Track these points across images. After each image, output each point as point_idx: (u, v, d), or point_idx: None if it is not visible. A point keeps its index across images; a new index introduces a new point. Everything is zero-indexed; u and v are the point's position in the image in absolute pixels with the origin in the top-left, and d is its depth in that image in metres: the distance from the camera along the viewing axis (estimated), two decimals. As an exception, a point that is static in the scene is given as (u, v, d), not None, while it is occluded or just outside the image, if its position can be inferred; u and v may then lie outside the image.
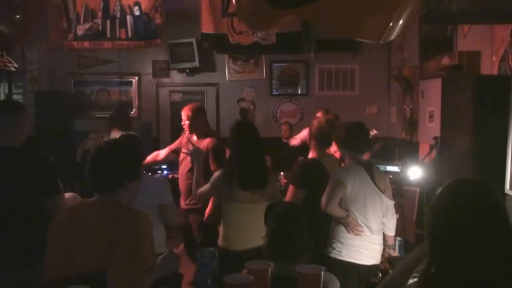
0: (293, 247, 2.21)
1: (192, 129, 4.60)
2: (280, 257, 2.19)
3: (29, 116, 3.37)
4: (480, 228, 1.56)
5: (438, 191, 1.68)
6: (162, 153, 4.92)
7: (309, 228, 2.29)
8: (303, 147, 5.71)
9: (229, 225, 3.45)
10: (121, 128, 5.38)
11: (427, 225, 1.73)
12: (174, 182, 4.89)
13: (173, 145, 4.90)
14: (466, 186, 1.68)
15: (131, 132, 3.72)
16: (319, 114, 5.74)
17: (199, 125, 4.60)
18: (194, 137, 4.62)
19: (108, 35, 5.77)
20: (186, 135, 4.73)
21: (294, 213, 2.36)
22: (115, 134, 5.44)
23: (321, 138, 3.67)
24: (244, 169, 3.36)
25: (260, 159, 3.46)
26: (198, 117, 4.58)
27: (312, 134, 3.72)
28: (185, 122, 4.59)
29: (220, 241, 3.49)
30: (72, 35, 5.87)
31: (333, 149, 4.88)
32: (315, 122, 3.76)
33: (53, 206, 2.99)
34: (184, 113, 4.59)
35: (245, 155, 3.39)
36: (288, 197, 3.58)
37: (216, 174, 3.52)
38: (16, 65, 6.23)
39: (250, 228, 3.29)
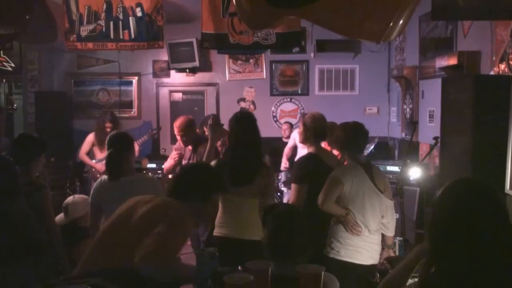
0: (292, 247, 2.21)
1: (186, 143, 4.77)
2: (280, 257, 2.19)
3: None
4: (480, 228, 1.56)
5: (439, 191, 1.68)
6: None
7: (308, 228, 2.30)
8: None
9: (223, 213, 3.49)
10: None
11: (427, 224, 1.73)
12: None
13: (175, 155, 4.98)
14: (467, 186, 1.68)
15: (122, 131, 3.77)
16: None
17: (192, 137, 4.75)
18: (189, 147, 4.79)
19: (112, 36, 5.79)
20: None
21: (293, 214, 2.37)
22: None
23: (318, 131, 3.76)
24: (235, 166, 3.41)
25: (253, 154, 3.47)
26: (189, 130, 4.73)
27: (309, 129, 3.78)
28: (179, 137, 4.75)
29: (215, 230, 3.53)
30: (75, 36, 5.87)
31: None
32: (309, 118, 3.84)
33: (15, 209, 2.81)
34: (176, 129, 4.73)
35: (238, 151, 3.44)
36: (292, 195, 3.66)
37: (212, 163, 3.57)
38: (13, 65, 6.22)
39: (240, 220, 3.40)
